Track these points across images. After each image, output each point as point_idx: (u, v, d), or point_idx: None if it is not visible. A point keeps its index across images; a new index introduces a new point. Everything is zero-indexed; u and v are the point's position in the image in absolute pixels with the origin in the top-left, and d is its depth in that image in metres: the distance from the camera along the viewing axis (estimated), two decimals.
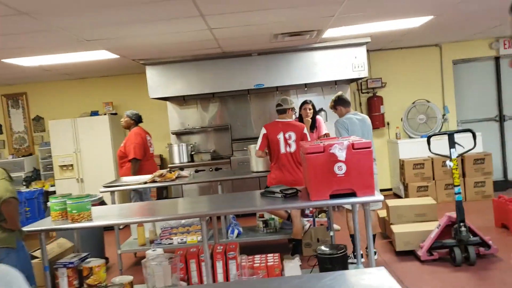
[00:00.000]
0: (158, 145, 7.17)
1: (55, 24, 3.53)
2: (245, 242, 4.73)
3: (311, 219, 4.76)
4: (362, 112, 7.19)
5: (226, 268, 3.27)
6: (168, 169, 4.89)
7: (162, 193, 6.97)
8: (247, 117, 6.96)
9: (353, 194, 2.86)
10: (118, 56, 5.28)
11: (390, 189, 7.22)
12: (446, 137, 4.01)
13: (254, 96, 6.85)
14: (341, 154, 2.84)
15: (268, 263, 3.29)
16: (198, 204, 3.41)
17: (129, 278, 3.20)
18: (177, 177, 4.70)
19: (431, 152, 4.09)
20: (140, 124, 5.48)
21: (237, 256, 3.29)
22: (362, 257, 4.19)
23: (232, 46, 5.43)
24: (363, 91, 7.15)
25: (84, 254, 3.17)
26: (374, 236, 4.11)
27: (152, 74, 6.01)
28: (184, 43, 4.88)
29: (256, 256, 3.46)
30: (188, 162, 6.48)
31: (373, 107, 7.02)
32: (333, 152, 2.83)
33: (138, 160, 5.17)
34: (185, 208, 3.32)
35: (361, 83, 7.12)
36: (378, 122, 6.99)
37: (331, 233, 4.46)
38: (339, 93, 4.42)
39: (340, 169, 2.85)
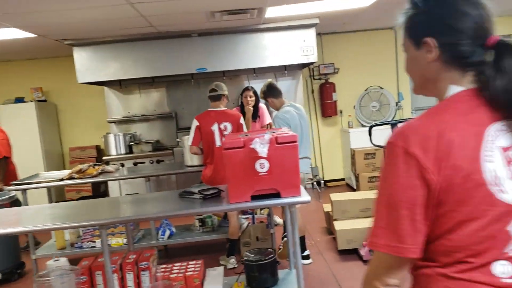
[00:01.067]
0: (96, 135, 6.62)
1: None
2: (181, 243, 4.31)
3: (251, 216, 4.39)
4: (314, 100, 6.87)
5: (138, 281, 2.84)
6: (91, 163, 4.36)
7: (100, 188, 6.43)
8: (194, 104, 6.46)
9: (278, 195, 2.49)
10: (35, 35, 4.67)
11: (343, 179, 6.95)
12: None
13: (200, 81, 6.37)
14: (263, 150, 2.44)
15: (187, 273, 2.88)
16: (105, 208, 2.94)
17: None
18: (100, 173, 4.21)
19: (373, 144, 3.77)
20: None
21: (150, 266, 2.86)
22: (308, 257, 3.88)
23: (167, 25, 4.91)
24: (315, 77, 6.79)
25: None
26: (302, 238, 3.79)
27: (80, 56, 5.43)
28: (106, 20, 4.34)
29: (176, 264, 3.04)
30: (126, 153, 5.96)
31: (325, 94, 6.68)
32: (253, 148, 2.44)
33: (8, 158, 4.59)
34: (87, 213, 2.85)
35: (313, 68, 6.75)
36: (330, 110, 6.67)
37: (272, 231, 4.11)
38: (268, 81, 3.99)
39: (262, 166, 2.45)
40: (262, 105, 4.88)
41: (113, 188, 5.89)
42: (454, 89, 0.98)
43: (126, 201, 3.15)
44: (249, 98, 4.67)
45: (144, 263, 2.85)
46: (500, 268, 0.92)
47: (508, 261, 0.93)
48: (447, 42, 0.98)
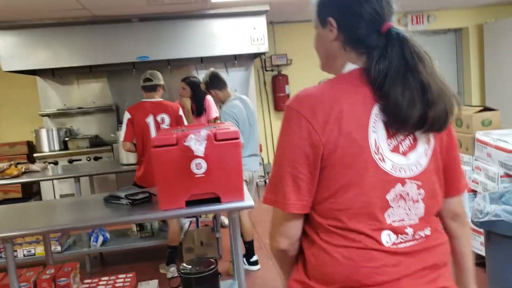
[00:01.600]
0: (27, 130, 5.99)
1: None
2: (117, 250, 3.88)
3: (194, 219, 4.04)
4: (266, 93, 6.59)
5: None
6: (12, 162, 3.84)
7: (32, 188, 5.81)
8: (136, 96, 5.89)
9: (218, 199, 2.17)
10: None
11: None
12: None
13: (143, 71, 5.88)
14: (199, 148, 2.10)
15: None
16: (16, 216, 2.49)
17: None
18: (24, 173, 3.72)
19: None
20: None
21: (71, 282, 2.46)
22: (257, 263, 3.58)
23: (102, 8, 4.44)
24: (267, 68, 6.50)
25: None
26: (250, 242, 3.50)
27: (4, 42, 4.84)
28: (32, 0, 3.82)
29: (103, 278, 2.66)
30: (61, 150, 5.41)
31: (278, 86, 6.41)
32: (188, 145, 2.09)
33: None
34: None
35: (265, 59, 6.45)
36: (283, 103, 6.39)
37: (218, 235, 3.81)
38: (211, 70, 3.54)
39: (198, 167, 2.12)
40: (209, 97, 4.51)
41: (46, 188, 5.33)
42: (350, 66, 1.05)
43: (44, 207, 2.71)
44: (181, 90, 4.31)
45: (63, 279, 2.46)
46: (385, 237, 0.98)
47: (390, 231, 0.99)
48: (346, 25, 1.04)
